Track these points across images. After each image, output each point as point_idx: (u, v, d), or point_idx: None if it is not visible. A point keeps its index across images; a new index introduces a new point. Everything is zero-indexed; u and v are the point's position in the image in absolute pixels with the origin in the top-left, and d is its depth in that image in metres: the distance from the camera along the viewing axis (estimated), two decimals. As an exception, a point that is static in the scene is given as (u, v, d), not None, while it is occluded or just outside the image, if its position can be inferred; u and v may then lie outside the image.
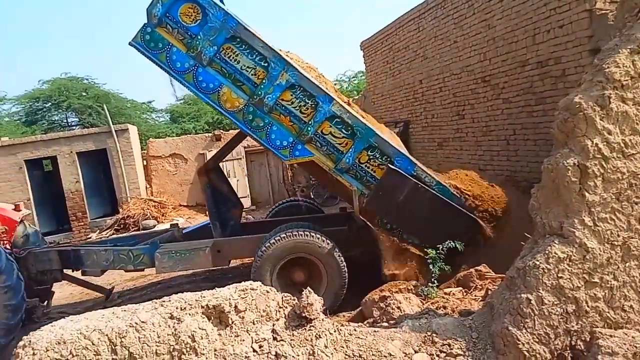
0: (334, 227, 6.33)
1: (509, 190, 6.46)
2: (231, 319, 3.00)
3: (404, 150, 5.88)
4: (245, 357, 2.90)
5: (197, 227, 7.54)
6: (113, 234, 12.34)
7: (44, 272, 6.53)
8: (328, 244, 5.69)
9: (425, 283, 5.06)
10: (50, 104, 24.35)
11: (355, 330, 3.29)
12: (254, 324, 3.03)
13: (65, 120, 25.59)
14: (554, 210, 3.16)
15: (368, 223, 5.66)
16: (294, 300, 3.23)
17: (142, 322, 2.87)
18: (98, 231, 12.98)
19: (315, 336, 3.02)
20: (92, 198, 14.18)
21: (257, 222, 8.61)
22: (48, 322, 2.98)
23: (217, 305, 3.00)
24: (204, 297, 3.05)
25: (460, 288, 4.87)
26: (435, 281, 5.01)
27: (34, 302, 6.59)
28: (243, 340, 2.96)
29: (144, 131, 23.76)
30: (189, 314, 2.96)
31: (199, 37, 5.18)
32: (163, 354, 2.82)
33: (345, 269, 5.72)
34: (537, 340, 3.03)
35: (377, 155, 5.48)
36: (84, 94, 24.35)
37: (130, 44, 5.29)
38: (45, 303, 6.99)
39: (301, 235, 5.69)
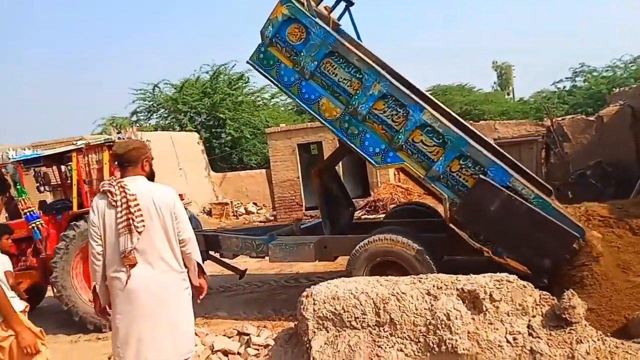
0: (432, 234, 6.17)
1: None
2: (485, 306, 3.07)
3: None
4: (499, 345, 2.94)
5: (314, 224, 7.95)
6: (364, 214, 13.43)
7: None
8: (414, 249, 5.58)
9: None
10: (315, 96, 27.46)
11: (622, 344, 3.01)
12: (508, 315, 3.04)
13: (328, 110, 28.56)
14: None
15: (459, 232, 5.41)
16: (553, 299, 3.11)
17: (403, 293, 3.17)
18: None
19: (576, 340, 2.87)
20: (348, 180, 15.65)
21: (366, 222, 8.79)
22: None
23: (472, 291, 3.10)
24: (459, 280, 3.19)
25: None
26: None
27: None
28: (497, 329, 3.00)
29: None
30: (445, 294, 3.14)
31: (303, 54, 5.67)
32: (420, 326, 3.07)
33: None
34: None
35: (470, 165, 5.38)
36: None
37: (247, 62, 5.99)
38: None
39: (387, 240, 5.75)
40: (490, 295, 3.07)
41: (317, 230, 7.29)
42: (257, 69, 6.03)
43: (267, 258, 6.88)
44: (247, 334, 5.42)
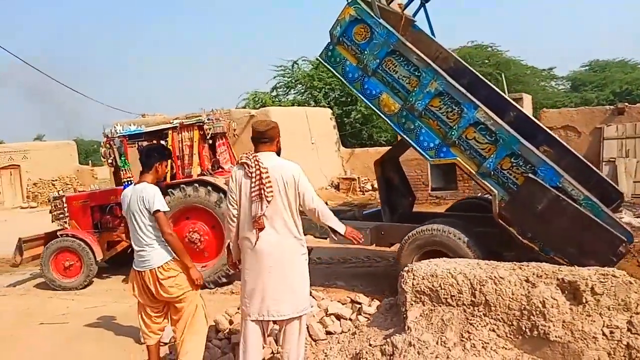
0: (484, 228, 6.19)
1: None
2: (585, 298, 3.06)
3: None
4: (594, 337, 2.94)
5: (375, 211, 8.01)
6: (486, 194, 13.02)
7: None
8: (463, 241, 5.71)
9: None
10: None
11: None
12: (608, 309, 3.01)
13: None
14: None
15: (507, 228, 5.52)
16: (662, 299, 3.00)
17: (501, 277, 3.28)
18: (475, 192, 13.93)
19: (680, 341, 2.76)
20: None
21: (425, 213, 8.66)
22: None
23: (572, 282, 3.11)
24: (561, 271, 3.21)
25: None
26: None
27: None
28: (594, 321, 2.99)
29: (541, 99, 23.28)
30: (544, 282, 3.19)
31: (366, 52, 5.98)
32: (514, 310, 3.17)
33: None
34: None
35: (521, 163, 5.45)
36: (486, 61, 25.33)
37: (317, 58, 6.69)
38: None
39: (436, 230, 5.95)
40: (592, 288, 3.05)
41: (378, 217, 7.55)
42: (325, 65, 6.54)
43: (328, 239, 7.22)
44: (359, 303, 5.82)
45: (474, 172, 5.79)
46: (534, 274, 3.24)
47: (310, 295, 5.70)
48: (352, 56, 6.24)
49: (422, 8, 7.27)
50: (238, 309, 5.18)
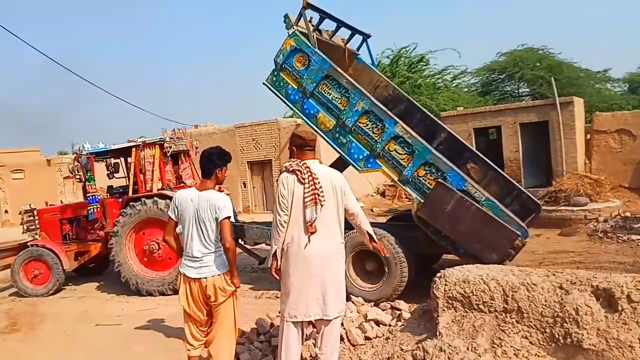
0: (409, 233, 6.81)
1: None
2: (621, 306, 3.00)
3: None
4: (630, 346, 2.88)
5: None
6: (542, 204, 12.62)
7: None
8: (388, 241, 6.35)
9: None
10: (504, 75, 25.93)
11: None
12: (647, 317, 2.94)
13: (517, 91, 26.82)
14: None
15: (422, 228, 6.29)
16: None
17: (533, 284, 3.27)
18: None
19: None
20: (528, 168, 14.79)
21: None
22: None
23: (607, 289, 3.06)
24: (596, 277, 3.16)
25: None
26: None
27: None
28: (630, 329, 2.93)
29: (596, 102, 22.41)
30: (578, 289, 3.15)
31: (305, 77, 6.77)
32: (547, 317, 3.14)
33: (405, 265, 6.35)
34: None
35: (433, 171, 6.19)
36: (537, 64, 24.68)
37: (263, 83, 7.17)
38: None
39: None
40: (628, 295, 2.99)
41: None
42: (270, 90, 7.22)
43: None
44: (399, 309, 5.85)
45: (396, 180, 6.49)
46: (567, 280, 3.20)
47: (350, 300, 5.80)
48: (293, 81, 6.99)
49: (365, 43, 8.05)
50: (279, 312, 5.33)
